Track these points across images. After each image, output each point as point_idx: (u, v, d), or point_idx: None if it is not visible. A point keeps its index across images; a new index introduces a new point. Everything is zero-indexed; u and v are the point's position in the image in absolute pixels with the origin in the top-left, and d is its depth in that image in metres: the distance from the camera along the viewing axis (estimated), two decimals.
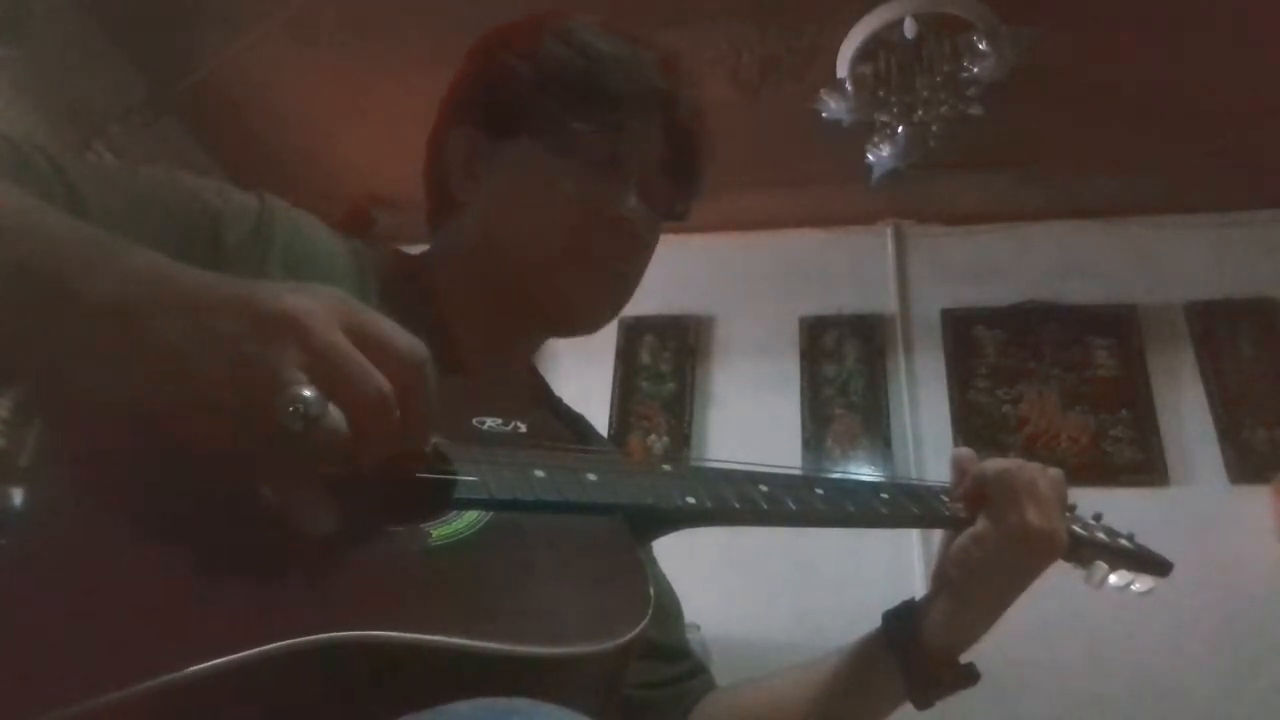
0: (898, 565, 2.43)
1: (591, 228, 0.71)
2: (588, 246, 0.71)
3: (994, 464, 0.71)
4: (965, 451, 0.75)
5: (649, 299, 2.95)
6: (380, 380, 0.40)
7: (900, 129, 2.30)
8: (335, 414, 0.38)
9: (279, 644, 0.34)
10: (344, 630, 0.36)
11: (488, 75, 0.75)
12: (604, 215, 0.71)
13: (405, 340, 0.42)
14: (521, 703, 0.36)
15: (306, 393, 0.37)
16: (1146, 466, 2.53)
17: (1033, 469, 0.71)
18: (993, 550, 0.68)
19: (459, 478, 0.49)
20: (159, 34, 2.39)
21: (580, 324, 0.75)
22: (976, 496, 0.71)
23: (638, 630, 0.43)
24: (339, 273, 0.67)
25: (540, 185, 0.72)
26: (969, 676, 0.70)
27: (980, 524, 0.69)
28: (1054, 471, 0.73)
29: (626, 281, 0.75)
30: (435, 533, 0.46)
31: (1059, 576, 0.72)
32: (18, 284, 0.39)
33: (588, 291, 0.73)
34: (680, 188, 0.78)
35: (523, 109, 0.73)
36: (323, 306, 0.40)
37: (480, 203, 0.74)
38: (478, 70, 0.77)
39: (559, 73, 0.72)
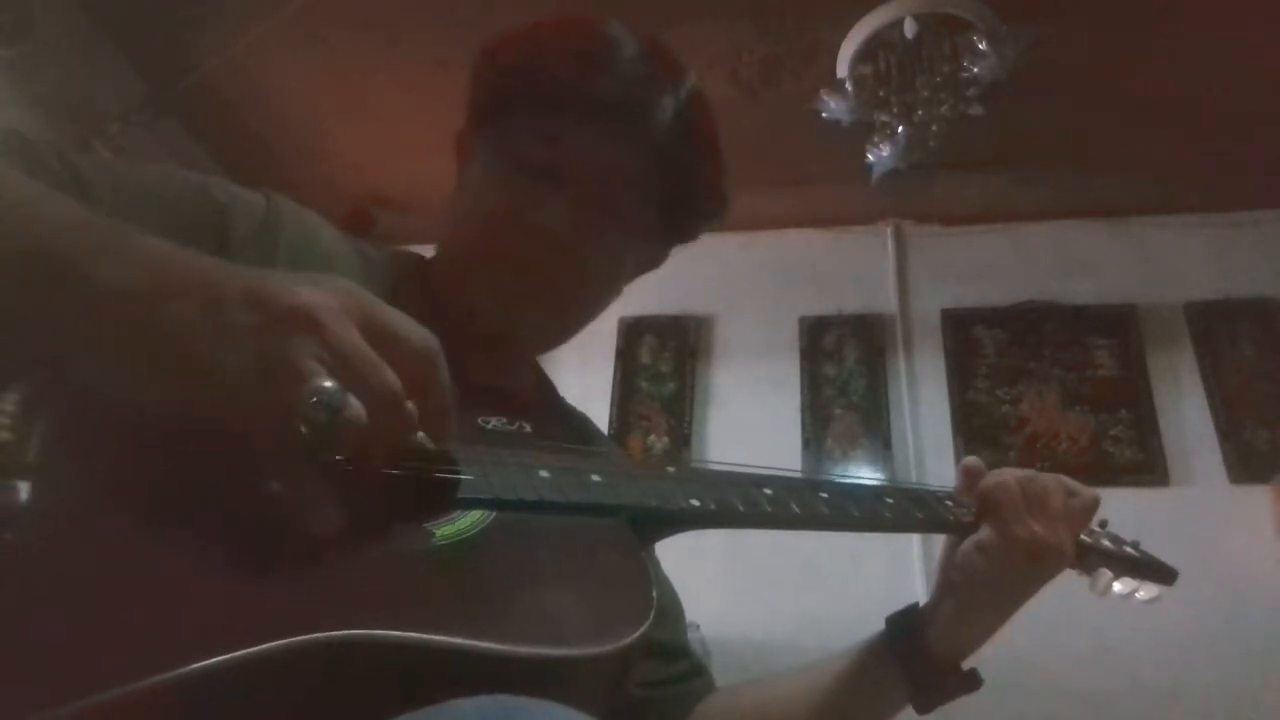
0: (898, 567, 2.43)
1: (503, 233, 0.68)
2: (497, 251, 0.68)
3: (1000, 474, 0.70)
4: (975, 461, 0.74)
5: (649, 299, 2.96)
6: (391, 376, 0.40)
7: (900, 129, 2.30)
8: (355, 405, 0.38)
9: (281, 642, 0.34)
10: (346, 629, 0.36)
11: (473, 71, 0.74)
12: (519, 221, 0.67)
13: (417, 332, 0.43)
14: (523, 701, 0.37)
15: (328, 384, 0.37)
16: (1146, 466, 2.52)
17: (1048, 482, 0.70)
18: (997, 560, 0.67)
19: (463, 477, 0.49)
20: (159, 34, 2.38)
21: (500, 329, 0.70)
22: (983, 506, 0.70)
23: (639, 633, 0.44)
24: (344, 272, 0.67)
25: (471, 189, 0.72)
26: (971, 682, 0.70)
27: (984, 533, 0.68)
28: (1089, 494, 0.71)
29: (555, 289, 0.70)
30: (439, 532, 0.46)
31: (1060, 579, 0.71)
32: (26, 269, 0.39)
33: (498, 295, 0.69)
34: (670, 208, 0.74)
35: (478, 111, 0.73)
36: (337, 301, 0.40)
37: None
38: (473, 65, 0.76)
39: (510, 76, 0.70)
